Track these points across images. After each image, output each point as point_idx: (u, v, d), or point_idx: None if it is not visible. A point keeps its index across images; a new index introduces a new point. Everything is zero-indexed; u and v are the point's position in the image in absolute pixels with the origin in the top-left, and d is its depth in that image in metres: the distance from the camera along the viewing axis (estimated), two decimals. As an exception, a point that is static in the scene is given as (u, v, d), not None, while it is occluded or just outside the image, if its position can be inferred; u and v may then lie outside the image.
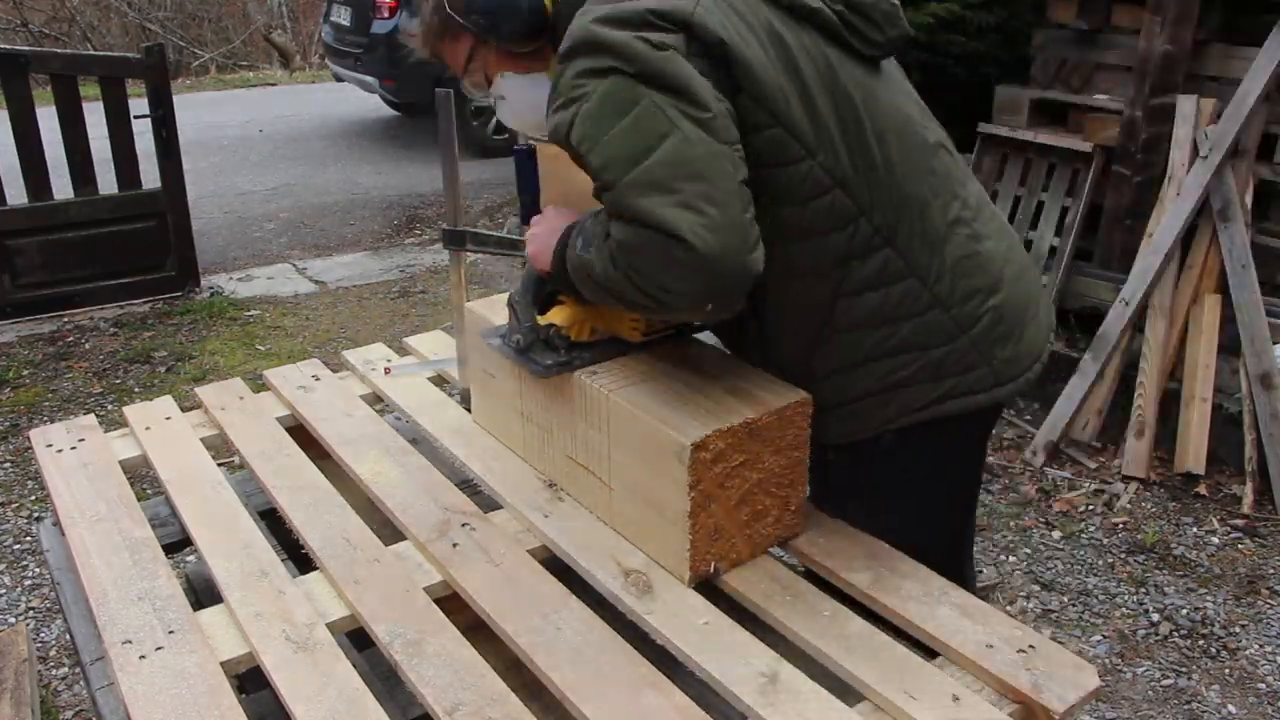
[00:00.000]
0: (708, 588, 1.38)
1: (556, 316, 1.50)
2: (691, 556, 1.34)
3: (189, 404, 1.94)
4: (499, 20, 1.39)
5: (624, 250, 1.23)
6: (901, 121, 1.40)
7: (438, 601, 1.37)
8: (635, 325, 1.51)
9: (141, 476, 1.78)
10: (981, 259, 1.44)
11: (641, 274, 1.22)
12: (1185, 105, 3.46)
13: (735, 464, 1.33)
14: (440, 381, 2.01)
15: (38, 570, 2.91)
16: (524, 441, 1.64)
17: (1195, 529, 3.08)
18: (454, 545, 1.46)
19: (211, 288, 5.09)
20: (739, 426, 1.31)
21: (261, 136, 8.48)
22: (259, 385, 2.02)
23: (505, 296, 1.74)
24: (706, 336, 1.59)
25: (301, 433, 1.84)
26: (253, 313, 4.81)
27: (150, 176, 4.73)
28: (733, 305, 1.23)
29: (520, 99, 1.48)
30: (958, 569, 1.61)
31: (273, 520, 1.63)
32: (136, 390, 4.01)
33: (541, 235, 1.45)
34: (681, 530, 1.32)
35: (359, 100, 9.25)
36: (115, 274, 4.76)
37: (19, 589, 2.84)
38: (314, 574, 1.44)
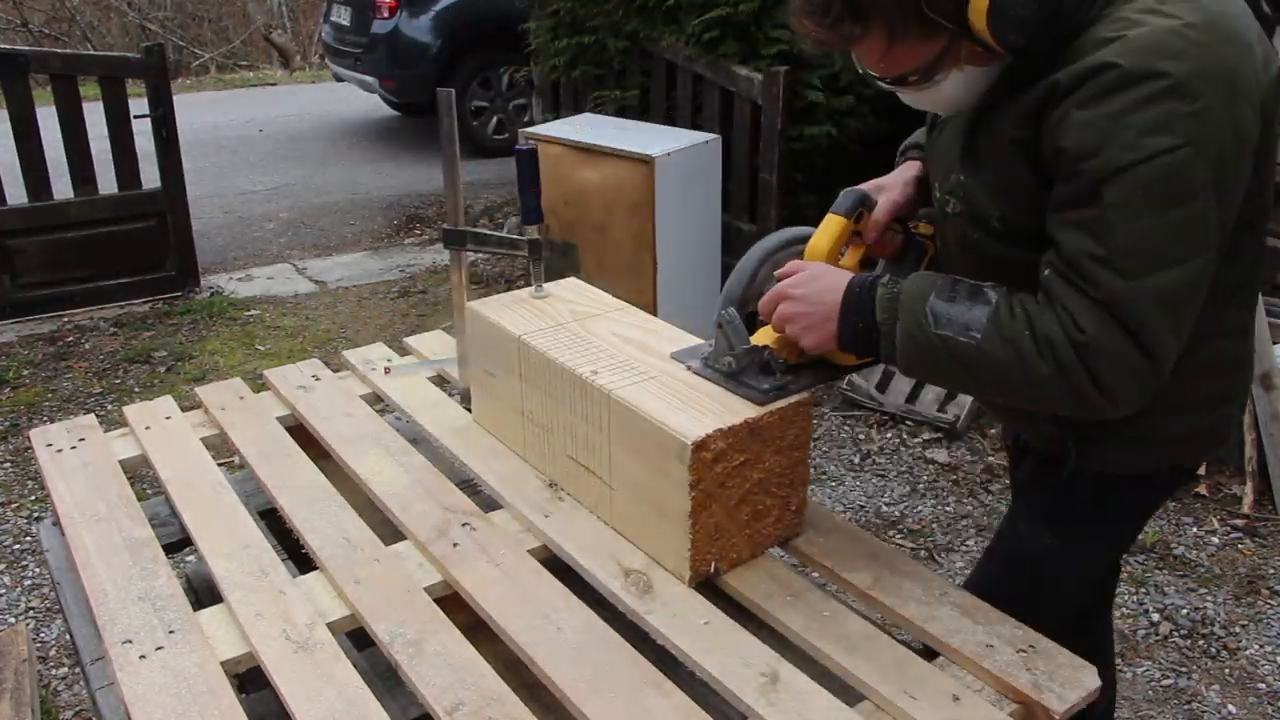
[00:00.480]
0: (708, 588, 1.38)
1: (767, 338, 1.43)
2: (692, 556, 1.34)
3: (189, 404, 1.94)
4: (1034, 31, 1.16)
5: (1094, 351, 1.13)
6: None
7: (438, 601, 1.37)
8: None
9: (141, 476, 1.78)
10: (1254, 320, 1.45)
11: (1098, 380, 1.14)
12: (1185, 105, 3.46)
13: (736, 464, 1.33)
14: (440, 381, 2.01)
15: (38, 570, 2.91)
16: (524, 441, 1.64)
17: (1195, 529, 3.08)
18: (454, 545, 1.46)
19: (211, 288, 5.09)
20: (740, 426, 1.31)
21: (261, 136, 8.48)
22: (259, 385, 2.02)
23: (505, 295, 1.74)
24: None
25: (301, 432, 1.84)
26: (253, 313, 4.81)
27: (150, 176, 4.74)
28: (1118, 416, 1.21)
29: (965, 90, 1.28)
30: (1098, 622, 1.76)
31: (273, 520, 1.63)
32: (136, 390, 4.01)
33: (810, 317, 1.33)
34: (682, 530, 1.32)
35: (359, 100, 9.25)
36: (115, 274, 4.76)
37: (19, 589, 2.84)
38: (314, 574, 1.44)
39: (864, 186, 1.50)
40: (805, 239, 1.46)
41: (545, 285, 1.74)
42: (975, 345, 1.19)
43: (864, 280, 1.31)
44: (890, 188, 1.51)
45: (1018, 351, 1.17)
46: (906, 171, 1.55)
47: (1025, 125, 1.20)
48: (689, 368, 1.47)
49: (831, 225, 1.43)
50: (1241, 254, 1.29)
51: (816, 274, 1.36)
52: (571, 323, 1.61)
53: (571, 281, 1.81)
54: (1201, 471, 3.24)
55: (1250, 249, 1.32)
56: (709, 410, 1.34)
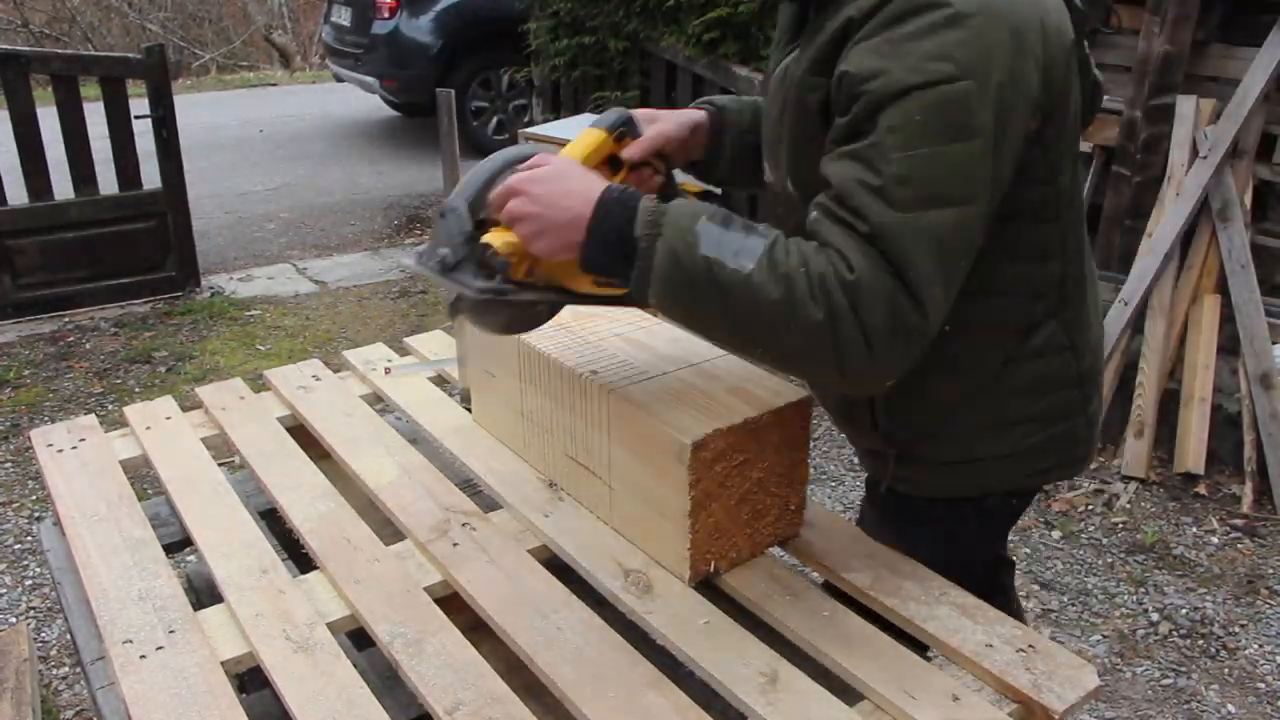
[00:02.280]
0: (708, 587, 1.38)
1: (495, 239, 1.19)
2: (692, 556, 1.34)
3: (189, 404, 1.94)
4: None
5: (861, 289, 1.02)
6: (1077, 185, 1.30)
7: (438, 601, 1.37)
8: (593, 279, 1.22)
9: (142, 476, 1.78)
10: (1100, 335, 1.42)
11: (865, 325, 1.03)
12: (1185, 105, 3.46)
13: (736, 463, 1.33)
14: (440, 381, 2.01)
15: (38, 570, 2.91)
16: (524, 441, 1.64)
17: (1195, 529, 3.09)
18: (454, 545, 1.47)
19: (212, 288, 5.09)
20: (739, 426, 1.31)
21: (262, 137, 8.48)
22: (259, 385, 2.02)
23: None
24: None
25: (302, 432, 1.84)
26: (253, 313, 4.82)
27: (151, 176, 4.74)
28: (878, 386, 1.13)
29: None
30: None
31: (273, 520, 1.63)
32: (137, 390, 4.01)
33: (549, 219, 1.14)
34: (681, 529, 1.32)
35: (359, 100, 9.25)
36: (116, 274, 4.76)
37: (20, 589, 2.84)
38: (314, 574, 1.44)
39: (635, 112, 1.35)
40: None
41: None
42: (745, 275, 1.05)
43: (623, 189, 1.14)
44: (664, 119, 1.37)
45: (790, 289, 1.04)
46: (688, 114, 1.43)
47: (820, 71, 1.15)
48: (402, 265, 1.42)
49: (589, 136, 1.28)
50: (1049, 255, 1.27)
51: (564, 172, 1.17)
52: (571, 323, 1.61)
53: None
54: (1201, 472, 3.24)
55: (1059, 249, 1.28)
56: (709, 410, 1.34)
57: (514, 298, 1.22)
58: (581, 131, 1.29)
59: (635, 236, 1.10)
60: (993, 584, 1.61)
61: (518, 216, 1.16)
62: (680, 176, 1.44)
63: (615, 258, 1.12)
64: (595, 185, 1.15)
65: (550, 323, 1.60)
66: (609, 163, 1.31)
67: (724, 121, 1.44)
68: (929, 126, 1.04)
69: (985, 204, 1.08)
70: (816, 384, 1.38)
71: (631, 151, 1.31)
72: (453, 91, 1.75)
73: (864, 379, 1.08)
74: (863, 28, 1.09)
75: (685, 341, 1.56)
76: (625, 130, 1.30)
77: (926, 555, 1.43)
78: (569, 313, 1.65)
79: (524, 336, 1.56)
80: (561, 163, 1.20)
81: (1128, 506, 3.20)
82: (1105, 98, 3.85)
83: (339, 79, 8.56)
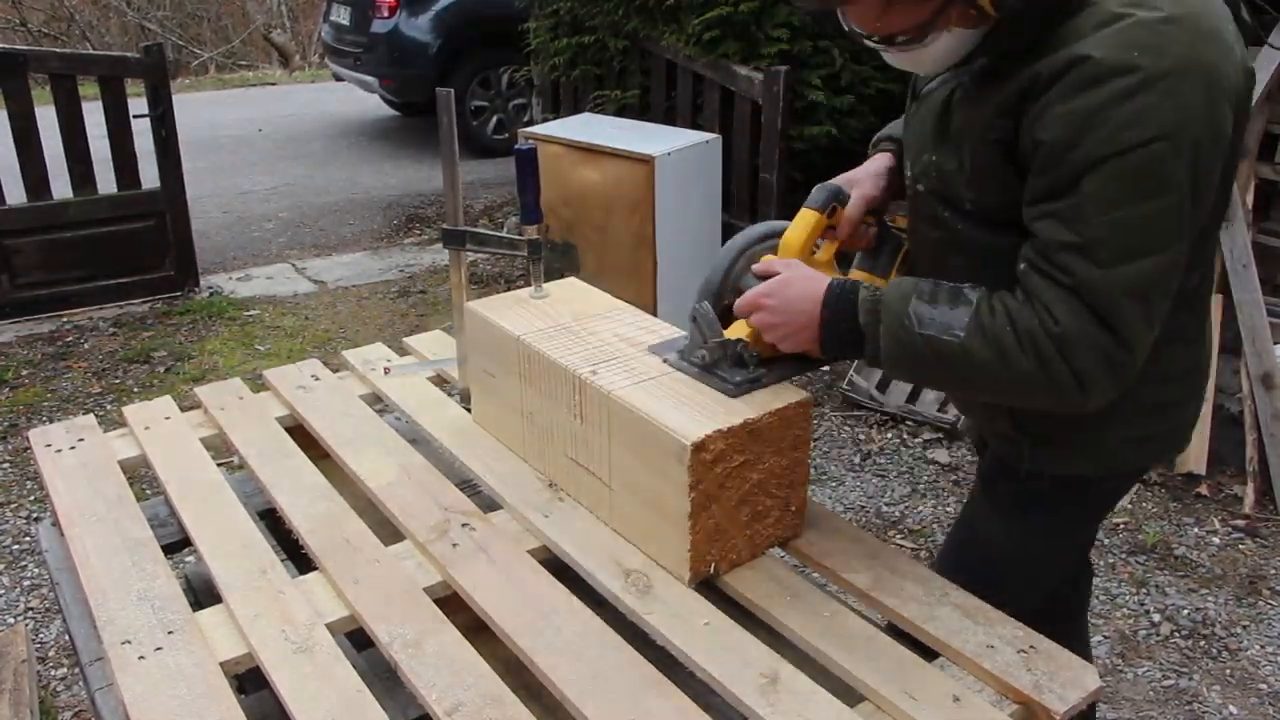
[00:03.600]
0: (708, 588, 1.37)
1: (742, 331, 1.42)
2: (692, 557, 1.33)
3: (188, 404, 1.94)
4: None
5: (1069, 340, 1.15)
6: None
7: (437, 602, 1.36)
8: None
9: (141, 476, 1.78)
10: (1209, 325, 1.48)
11: (1075, 369, 1.16)
12: (1185, 105, 3.46)
13: (735, 464, 1.32)
14: (440, 381, 2.01)
15: (36, 571, 2.91)
16: (524, 441, 1.63)
17: (1196, 529, 3.08)
18: (454, 545, 1.46)
19: (211, 287, 5.08)
20: (739, 427, 1.31)
21: (261, 136, 8.48)
22: (258, 385, 2.02)
23: (505, 295, 1.74)
24: None
25: (301, 432, 1.83)
26: (252, 312, 4.81)
27: (149, 176, 4.73)
28: (1096, 410, 1.24)
29: (950, 52, 1.25)
30: (1070, 622, 1.79)
31: (272, 520, 1.63)
32: (136, 390, 4.00)
33: (788, 325, 1.34)
34: (681, 531, 1.32)
35: (359, 100, 9.25)
36: (114, 274, 4.76)
37: (18, 589, 2.84)
38: (313, 574, 1.44)
39: (836, 181, 1.50)
40: (781, 233, 1.46)
41: (545, 285, 1.74)
42: (959, 343, 1.21)
43: (842, 284, 1.33)
44: (861, 181, 1.51)
45: (1000, 349, 1.19)
46: (878, 163, 1.55)
47: (1005, 115, 1.21)
48: (665, 360, 1.48)
49: (804, 220, 1.44)
50: (1199, 259, 1.30)
51: (789, 280, 1.36)
52: (571, 323, 1.61)
53: (571, 282, 1.81)
54: (1202, 472, 3.24)
55: (1206, 254, 1.34)
56: (709, 411, 1.33)
57: (767, 382, 1.41)
58: (797, 215, 1.45)
59: (861, 325, 1.29)
60: (1083, 564, 1.81)
61: (765, 328, 1.37)
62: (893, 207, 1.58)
63: (848, 345, 1.32)
64: (819, 286, 1.33)
65: (550, 323, 1.60)
66: (829, 231, 1.48)
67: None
68: (1125, 190, 1.12)
69: (1182, 246, 1.16)
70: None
71: (845, 230, 1.48)
72: (452, 91, 1.75)
73: (1083, 409, 1.22)
74: (1051, 88, 1.14)
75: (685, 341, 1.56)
76: (836, 203, 1.46)
77: (1039, 537, 1.55)
78: (569, 313, 1.65)
79: (523, 337, 1.56)
80: (786, 269, 1.38)
81: (1129, 507, 3.19)
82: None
83: (338, 78, 8.56)
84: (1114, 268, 1.13)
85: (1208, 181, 1.16)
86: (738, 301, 1.40)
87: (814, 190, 1.47)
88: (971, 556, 1.61)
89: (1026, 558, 1.57)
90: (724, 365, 1.42)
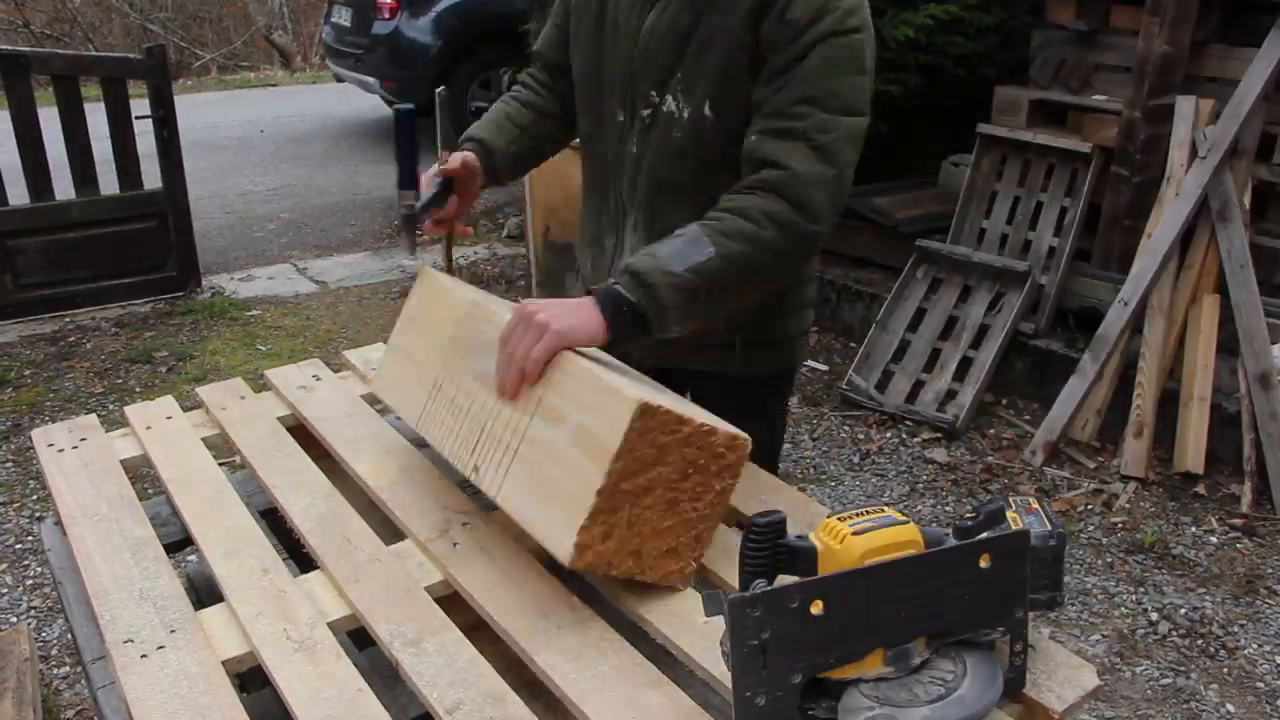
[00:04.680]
0: (708, 588, 1.38)
1: None
2: (578, 537, 1.23)
3: (190, 404, 1.94)
4: None
5: (800, 181, 1.39)
6: None
7: (438, 601, 1.37)
8: None
9: (143, 476, 1.78)
10: None
11: (808, 208, 1.40)
12: (1184, 106, 3.47)
13: (665, 457, 1.24)
14: (441, 382, 2.01)
15: (39, 569, 2.92)
16: (425, 412, 1.57)
17: (1194, 529, 3.09)
18: (454, 544, 1.47)
19: (212, 288, 5.10)
20: (686, 418, 1.23)
21: (262, 137, 8.49)
22: (260, 385, 2.03)
23: (503, 299, 1.74)
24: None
25: (302, 432, 1.84)
26: (254, 313, 4.82)
27: (151, 177, 4.74)
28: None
29: None
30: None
31: (274, 519, 1.63)
32: (138, 390, 4.01)
33: (554, 313, 1.32)
34: (583, 503, 1.22)
35: (360, 101, 9.26)
36: (117, 274, 4.77)
37: (21, 588, 2.85)
38: (315, 573, 1.44)
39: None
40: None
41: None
42: (714, 256, 1.37)
43: (600, 285, 1.42)
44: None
45: (745, 237, 1.38)
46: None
47: (750, 27, 1.43)
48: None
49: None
50: None
51: (526, 310, 1.37)
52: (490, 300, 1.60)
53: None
54: (1200, 471, 3.25)
55: None
56: (659, 395, 1.27)
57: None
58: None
59: (635, 301, 1.35)
60: None
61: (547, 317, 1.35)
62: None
63: (635, 323, 1.37)
64: (580, 297, 1.41)
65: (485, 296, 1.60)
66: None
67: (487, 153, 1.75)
68: (846, 61, 1.42)
69: (867, 120, 1.47)
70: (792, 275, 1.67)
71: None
72: (444, 88, 1.76)
73: (818, 242, 1.46)
74: None
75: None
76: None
77: (766, 433, 1.78)
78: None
79: (477, 299, 1.54)
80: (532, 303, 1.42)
81: (1127, 506, 3.20)
82: (1105, 98, 3.87)
83: (339, 79, 8.57)
84: (840, 116, 1.40)
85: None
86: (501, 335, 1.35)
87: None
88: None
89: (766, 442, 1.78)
90: None
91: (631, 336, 1.37)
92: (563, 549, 1.24)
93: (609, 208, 1.72)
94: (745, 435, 1.31)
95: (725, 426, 1.31)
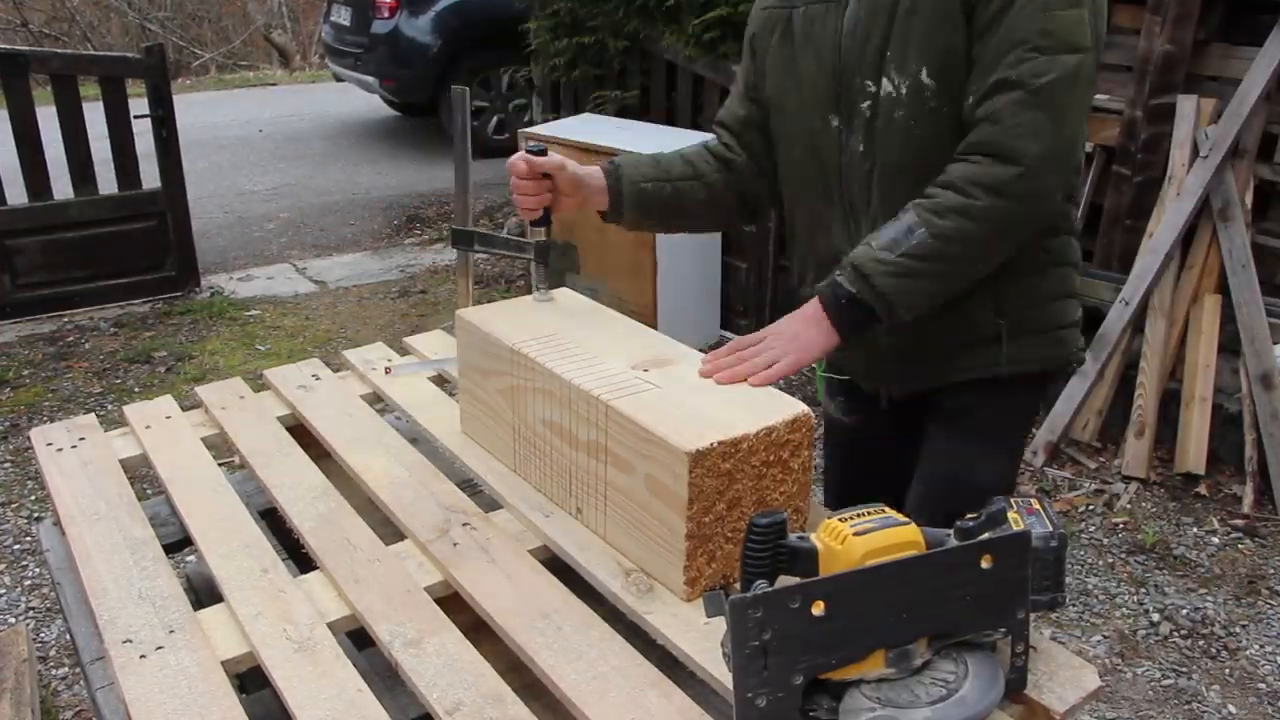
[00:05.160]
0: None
1: None
2: (687, 571, 1.31)
3: (189, 403, 1.94)
4: None
5: (1012, 133, 1.33)
6: None
7: (438, 601, 1.37)
8: None
9: (142, 476, 1.78)
10: None
11: (1021, 165, 1.32)
12: (1185, 105, 3.46)
13: (734, 476, 1.30)
14: (440, 381, 2.01)
15: (38, 570, 2.91)
16: (514, 454, 1.61)
17: (1195, 529, 3.09)
18: (454, 545, 1.46)
19: (211, 288, 5.09)
20: (739, 439, 1.28)
21: (261, 136, 8.48)
22: (259, 385, 2.02)
23: (505, 302, 1.73)
24: None
25: (302, 432, 1.84)
26: (253, 313, 4.82)
27: (150, 176, 4.74)
28: (1054, 207, 1.44)
29: None
30: None
31: (273, 520, 1.63)
32: (136, 390, 4.01)
33: (790, 332, 1.44)
34: (677, 546, 1.30)
35: (359, 100, 9.26)
36: (115, 274, 4.76)
37: (19, 589, 2.84)
38: (314, 573, 1.44)
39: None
40: None
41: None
42: (925, 237, 1.35)
43: (819, 287, 1.45)
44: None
45: (954, 210, 1.35)
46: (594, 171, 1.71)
47: None
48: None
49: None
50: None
51: (772, 327, 1.48)
52: (563, 332, 1.59)
53: (565, 291, 1.80)
54: (1201, 472, 3.24)
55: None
56: (707, 422, 1.31)
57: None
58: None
59: (854, 292, 1.39)
60: None
61: (772, 357, 1.44)
62: None
63: (859, 314, 1.40)
64: (800, 310, 1.46)
65: (544, 332, 1.57)
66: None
67: (619, 180, 1.71)
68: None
69: (1095, 55, 1.37)
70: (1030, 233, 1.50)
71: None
72: (467, 89, 1.74)
73: (1041, 194, 1.37)
74: None
75: (679, 354, 1.54)
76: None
77: (1009, 447, 1.70)
78: (562, 323, 1.63)
79: (518, 345, 1.53)
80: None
81: (1128, 507, 3.20)
82: (1106, 97, 3.86)
83: (338, 79, 8.57)
84: (1057, 55, 1.32)
85: (1103, 9, 1.39)
86: (715, 357, 1.46)
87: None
88: (949, 487, 1.67)
89: (993, 471, 1.67)
90: None
91: (861, 329, 1.41)
92: (677, 588, 1.32)
93: (843, 228, 1.59)
94: (804, 409, 1.35)
95: (780, 416, 1.33)
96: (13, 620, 2.71)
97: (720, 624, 1.17)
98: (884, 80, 1.44)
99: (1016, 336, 1.56)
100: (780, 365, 1.41)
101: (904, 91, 1.43)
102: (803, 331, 1.43)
